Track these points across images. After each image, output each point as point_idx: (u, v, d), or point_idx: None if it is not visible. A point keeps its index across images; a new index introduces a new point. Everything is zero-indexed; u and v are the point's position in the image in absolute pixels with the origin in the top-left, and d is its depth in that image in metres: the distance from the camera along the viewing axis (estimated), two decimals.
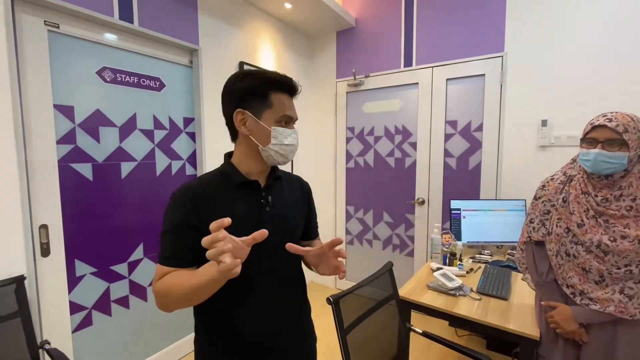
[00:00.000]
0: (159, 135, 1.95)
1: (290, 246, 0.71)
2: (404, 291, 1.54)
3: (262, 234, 0.61)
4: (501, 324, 1.25)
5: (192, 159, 2.14)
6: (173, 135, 2.03)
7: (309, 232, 1.00)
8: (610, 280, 1.05)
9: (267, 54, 2.63)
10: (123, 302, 1.80)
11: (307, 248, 0.73)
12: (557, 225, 1.15)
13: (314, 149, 3.17)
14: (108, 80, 1.68)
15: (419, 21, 2.54)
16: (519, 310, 1.36)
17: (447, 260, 1.87)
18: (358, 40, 2.86)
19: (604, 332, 1.07)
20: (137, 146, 1.84)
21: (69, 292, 1.59)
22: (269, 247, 0.78)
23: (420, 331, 1.39)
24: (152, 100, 1.89)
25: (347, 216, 3.06)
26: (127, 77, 1.76)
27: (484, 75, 2.31)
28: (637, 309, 1.01)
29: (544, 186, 1.24)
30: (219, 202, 0.78)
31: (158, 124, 1.94)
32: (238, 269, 0.56)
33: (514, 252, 2.04)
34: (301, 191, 0.97)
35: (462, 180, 2.46)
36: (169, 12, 1.90)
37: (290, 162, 2.92)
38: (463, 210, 2.12)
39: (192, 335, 1.04)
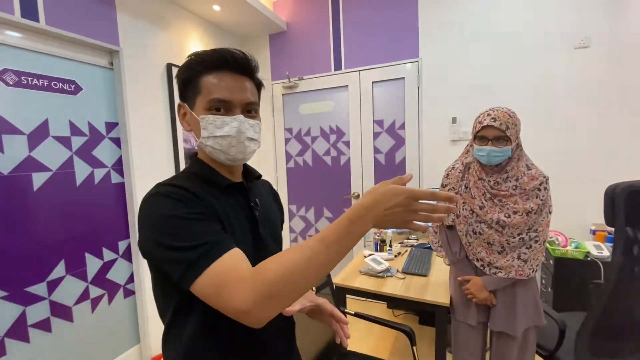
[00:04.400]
0: (78, 142, 1.81)
1: (289, 312, 0.71)
2: (338, 278, 1.67)
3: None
4: (419, 297, 1.44)
5: (118, 166, 2.03)
6: (94, 141, 1.90)
7: None
8: (509, 249, 1.26)
9: None
10: (43, 325, 1.65)
11: (299, 307, 0.74)
12: (463, 209, 1.33)
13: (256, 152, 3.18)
14: (11, 83, 1.52)
15: (346, 28, 2.71)
16: (435, 284, 1.57)
17: (378, 246, 2.06)
18: (290, 44, 2.95)
19: (507, 293, 1.29)
20: (51, 155, 1.69)
21: None
22: (266, 254, 0.64)
23: (353, 312, 1.52)
24: (67, 104, 1.75)
25: (289, 215, 3.14)
26: (35, 79, 1.61)
27: (404, 78, 2.56)
28: (530, 269, 1.23)
29: (447, 175, 1.40)
30: (215, 205, 0.63)
31: (75, 130, 1.80)
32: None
33: None
34: (272, 193, 0.90)
35: (391, 173, 2.69)
36: (82, 10, 1.77)
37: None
38: None
39: None
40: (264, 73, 3.07)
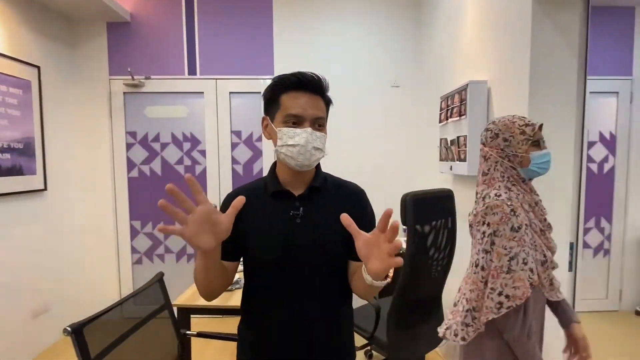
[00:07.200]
0: None
1: (346, 217, 0.62)
2: (181, 299, 1.54)
3: (240, 201, 0.63)
4: None
5: None
6: None
7: (354, 251, 0.81)
8: None
9: None
10: None
11: (359, 231, 0.61)
12: (545, 252, 0.95)
13: (84, 155, 2.61)
14: None
15: (201, 34, 2.61)
16: None
17: None
18: (135, 37, 2.61)
19: None
20: None
21: None
22: (297, 262, 0.79)
23: (195, 333, 1.43)
24: None
25: (132, 233, 2.71)
26: None
27: (260, 92, 2.65)
28: None
29: (514, 211, 0.90)
30: (253, 209, 0.79)
31: None
32: (203, 244, 0.62)
33: None
34: (348, 202, 0.86)
35: None
36: None
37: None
38: None
39: None
40: (99, 65, 2.60)
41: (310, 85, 0.79)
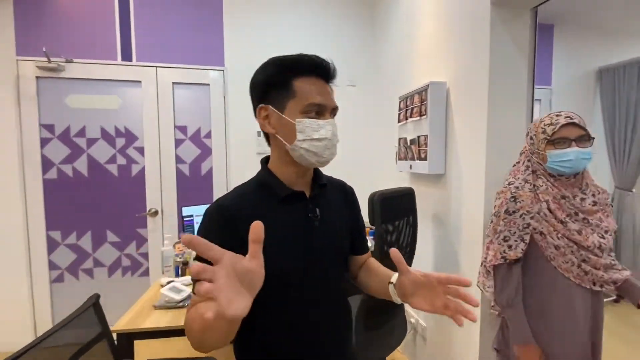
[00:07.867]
0: None
1: (395, 252, 0.59)
2: (122, 322, 1.30)
3: (258, 227, 0.45)
4: None
5: None
6: None
7: (357, 246, 0.85)
8: None
9: None
10: None
11: (408, 268, 0.61)
12: (557, 238, 1.02)
13: None
14: None
15: (137, 14, 2.29)
16: None
17: (180, 270, 1.79)
18: (53, 12, 2.18)
19: None
20: None
21: None
22: (319, 267, 0.72)
23: None
24: None
25: (50, 245, 2.27)
26: None
27: (209, 85, 2.43)
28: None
29: (515, 198, 1.04)
30: (261, 220, 0.61)
31: None
32: (239, 310, 0.41)
33: None
34: (345, 199, 0.85)
35: (196, 186, 2.46)
36: None
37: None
38: (196, 216, 2.12)
39: None
40: (3, 42, 2.12)
41: (324, 69, 0.70)
